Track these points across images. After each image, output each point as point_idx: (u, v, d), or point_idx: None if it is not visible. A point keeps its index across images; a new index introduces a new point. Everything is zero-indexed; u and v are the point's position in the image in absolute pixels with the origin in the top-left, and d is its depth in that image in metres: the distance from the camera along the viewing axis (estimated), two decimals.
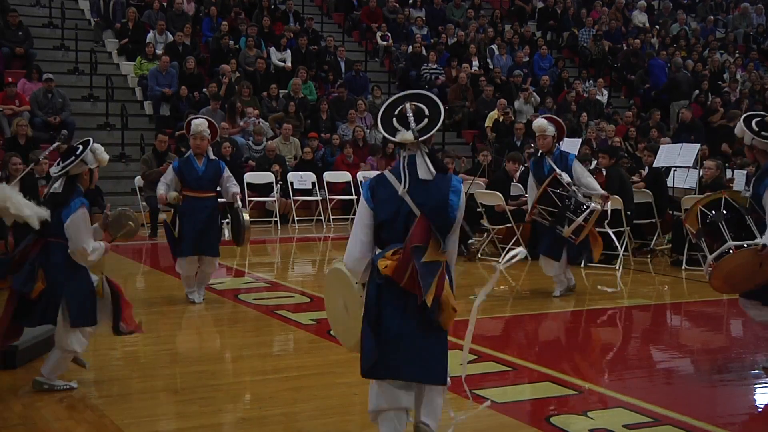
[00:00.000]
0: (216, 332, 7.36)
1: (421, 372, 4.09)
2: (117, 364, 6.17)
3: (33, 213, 5.21)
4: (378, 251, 4.13)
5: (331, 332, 5.40)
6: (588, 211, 7.91)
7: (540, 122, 8.41)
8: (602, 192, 8.38)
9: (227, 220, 9.21)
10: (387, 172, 4.17)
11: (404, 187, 4.04)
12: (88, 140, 5.52)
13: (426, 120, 4.10)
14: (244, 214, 7.91)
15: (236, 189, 7.98)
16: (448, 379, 4.21)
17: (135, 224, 6.01)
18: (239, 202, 7.98)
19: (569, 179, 8.12)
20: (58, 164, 5.41)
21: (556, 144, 8.39)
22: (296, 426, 4.95)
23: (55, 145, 6.26)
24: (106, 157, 5.58)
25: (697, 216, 6.14)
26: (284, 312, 7.75)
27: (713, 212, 6.03)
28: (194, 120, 7.91)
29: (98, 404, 5.21)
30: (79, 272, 5.38)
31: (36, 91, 14.74)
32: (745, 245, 5.71)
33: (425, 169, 4.07)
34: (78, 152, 5.36)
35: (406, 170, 4.06)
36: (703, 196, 6.44)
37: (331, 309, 4.51)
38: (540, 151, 8.47)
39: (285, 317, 7.60)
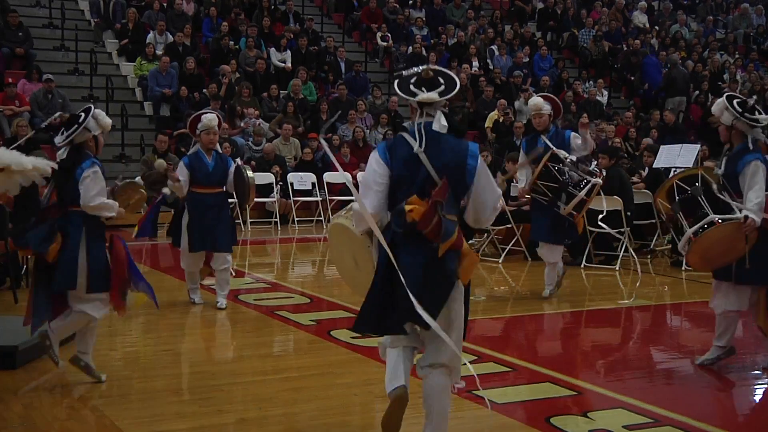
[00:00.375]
0: (216, 333, 7.35)
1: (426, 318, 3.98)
2: (117, 364, 6.17)
3: (37, 163, 5.20)
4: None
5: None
6: (591, 184, 7.87)
7: (536, 101, 8.31)
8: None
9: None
10: (404, 134, 4.18)
11: (420, 146, 4.07)
12: (90, 107, 5.55)
13: (443, 86, 4.17)
14: (247, 171, 7.72)
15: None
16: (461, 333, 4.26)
17: (142, 196, 6.07)
18: (240, 162, 7.88)
19: (566, 155, 8.01)
20: (62, 133, 5.44)
21: (552, 123, 8.32)
22: (296, 426, 4.95)
23: (57, 114, 6.23)
24: (109, 121, 5.60)
25: (669, 192, 6.13)
26: (284, 313, 7.75)
27: (690, 187, 5.99)
28: (206, 115, 7.80)
29: (98, 404, 5.21)
30: (97, 240, 5.44)
31: (36, 91, 14.75)
32: (732, 219, 5.69)
33: (440, 125, 4.11)
34: (81, 120, 5.40)
35: (423, 131, 4.11)
36: (678, 172, 6.43)
37: (339, 261, 4.69)
38: (531, 132, 8.43)
39: (285, 318, 7.60)
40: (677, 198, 6.03)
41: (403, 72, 4.32)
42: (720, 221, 5.68)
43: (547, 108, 8.14)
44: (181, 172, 7.68)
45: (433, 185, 4.04)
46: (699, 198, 5.85)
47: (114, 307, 5.63)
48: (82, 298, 5.44)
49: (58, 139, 5.46)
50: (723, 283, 5.97)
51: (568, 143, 8.15)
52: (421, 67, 4.25)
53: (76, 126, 5.40)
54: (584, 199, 7.87)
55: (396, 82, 4.29)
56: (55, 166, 5.28)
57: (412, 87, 4.19)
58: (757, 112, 5.91)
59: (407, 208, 4.02)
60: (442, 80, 4.20)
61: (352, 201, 4.44)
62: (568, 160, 7.95)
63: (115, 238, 5.56)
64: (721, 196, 5.81)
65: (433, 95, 4.14)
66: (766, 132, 6.51)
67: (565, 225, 8.11)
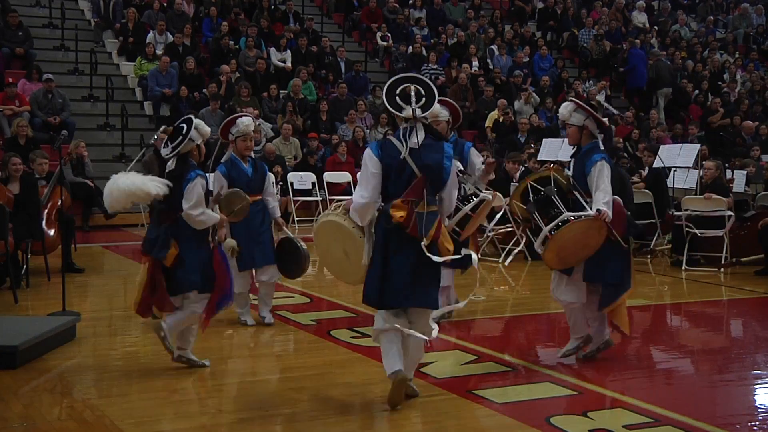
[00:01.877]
0: (216, 332, 7.34)
1: (416, 299, 4.99)
2: (117, 364, 6.17)
3: (158, 186, 5.61)
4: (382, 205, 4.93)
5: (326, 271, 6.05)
6: (477, 200, 6.77)
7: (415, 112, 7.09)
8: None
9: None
10: (391, 137, 5.00)
11: (406, 151, 4.89)
12: (190, 118, 5.83)
13: (423, 99, 4.98)
14: (300, 243, 7.13)
15: (278, 212, 7.39)
16: (440, 305, 5.23)
17: (246, 203, 6.27)
18: (286, 230, 7.41)
19: (460, 166, 6.80)
20: (166, 145, 5.75)
21: (451, 131, 7.31)
22: (296, 426, 4.95)
23: (162, 128, 6.30)
24: (208, 129, 5.91)
25: (523, 193, 6.22)
26: (284, 312, 7.75)
27: (544, 188, 6.09)
28: (241, 119, 7.12)
29: (98, 404, 5.21)
30: (205, 244, 5.80)
31: (36, 91, 14.74)
32: (582, 216, 5.82)
33: (414, 141, 4.90)
34: (184, 131, 5.69)
35: (406, 137, 4.92)
36: (533, 174, 6.51)
37: (325, 255, 5.44)
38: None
39: (285, 317, 7.59)
40: (531, 199, 6.13)
41: (388, 83, 5.04)
42: (574, 218, 5.82)
43: (444, 114, 7.04)
44: (220, 182, 6.93)
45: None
46: (552, 198, 5.99)
47: (204, 314, 5.86)
48: (193, 299, 5.78)
49: (165, 151, 5.76)
50: (564, 277, 6.11)
51: (467, 156, 7.15)
52: (411, 86, 4.99)
53: (180, 138, 5.69)
54: (469, 215, 6.74)
55: (384, 93, 5.01)
56: (170, 185, 5.65)
57: (398, 100, 4.96)
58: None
59: (395, 213, 4.82)
60: (423, 91, 5.00)
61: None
62: (462, 173, 6.87)
63: (215, 247, 5.91)
64: (578, 196, 5.98)
65: (416, 111, 4.93)
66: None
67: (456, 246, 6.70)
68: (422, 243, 4.85)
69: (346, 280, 5.44)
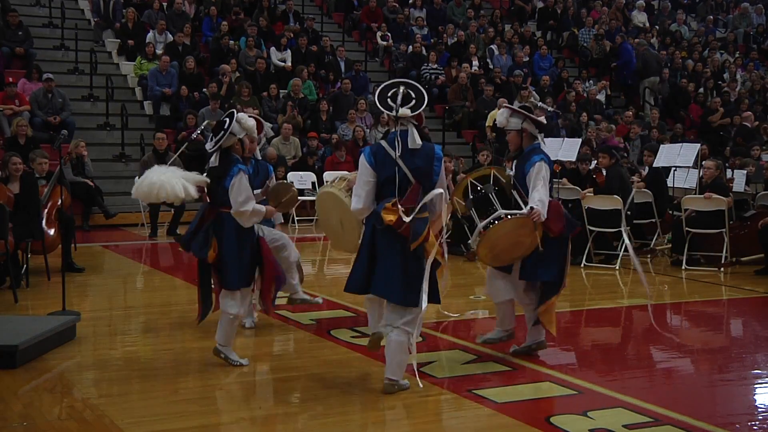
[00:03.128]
0: (216, 332, 7.34)
1: (397, 294, 5.17)
2: (117, 364, 6.17)
3: (188, 185, 5.67)
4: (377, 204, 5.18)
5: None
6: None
7: (404, 111, 7.00)
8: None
9: None
10: (383, 142, 5.23)
11: (398, 153, 5.11)
12: (232, 112, 5.83)
13: (414, 101, 5.21)
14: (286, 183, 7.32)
15: (281, 218, 7.48)
16: (423, 304, 5.17)
17: (293, 194, 6.45)
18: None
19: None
20: (211, 139, 5.76)
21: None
22: (296, 426, 4.95)
23: (205, 122, 6.38)
24: (252, 123, 5.91)
25: (464, 190, 6.31)
26: (284, 312, 7.75)
27: (483, 185, 6.20)
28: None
29: (98, 404, 5.21)
30: (247, 238, 5.78)
31: (36, 91, 14.74)
32: (517, 214, 5.90)
33: (413, 140, 5.14)
34: (226, 126, 5.68)
35: (400, 140, 5.13)
36: (473, 172, 6.59)
37: (325, 222, 5.96)
38: None
39: (285, 317, 7.60)
40: (470, 196, 6.24)
41: (381, 86, 5.29)
42: (507, 216, 5.90)
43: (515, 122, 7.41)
44: None
45: (409, 183, 5.15)
46: (490, 195, 6.09)
47: (264, 308, 6.05)
48: (230, 296, 5.82)
49: (209, 146, 5.77)
50: (500, 273, 6.21)
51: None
52: (399, 86, 5.23)
53: (222, 132, 5.67)
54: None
55: (376, 94, 5.25)
56: (206, 183, 5.74)
57: (389, 101, 5.18)
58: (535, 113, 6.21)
59: (386, 217, 5.04)
60: (413, 94, 5.21)
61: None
62: None
63: (262, 239, 5.94)
64: (516, 195, 6.07)
65: (406, 111, 5.15)
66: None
67: None
68: (410, 245, 5.12)
69: (339, 247, 6.00)
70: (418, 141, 5.16)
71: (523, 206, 5.98)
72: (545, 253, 5.98)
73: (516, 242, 5.94)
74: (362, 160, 5.22)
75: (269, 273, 5.89)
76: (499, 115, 6.29)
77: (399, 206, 5.08)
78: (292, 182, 6.69)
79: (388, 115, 5.22)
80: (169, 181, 5.67)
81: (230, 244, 5.72)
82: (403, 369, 5.34)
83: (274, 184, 6.39)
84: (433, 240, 5.25)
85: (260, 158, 7.39)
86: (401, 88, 5.22)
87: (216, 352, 6.03)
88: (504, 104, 6.45)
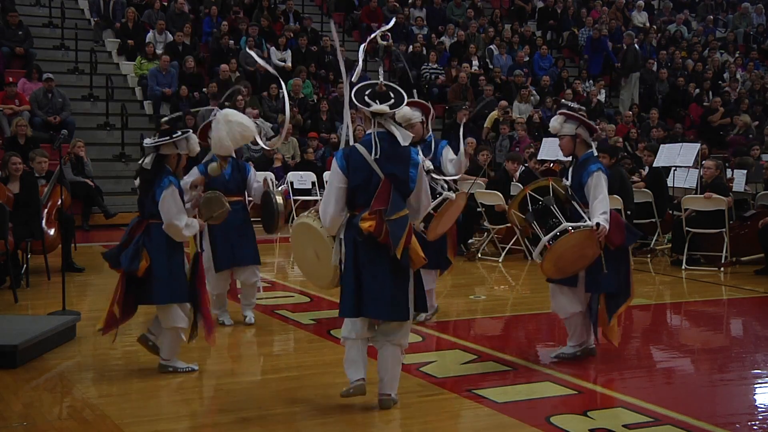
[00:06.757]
0: (215, 332, 7.34)
1: (388, 312, 4.92)
2: (117, 364, 6.17)
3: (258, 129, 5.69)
4: (349, 214, 4.90)
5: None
6: (440, 198, 6.85)
7: (403, 111, 6.48)
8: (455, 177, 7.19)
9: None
10: (358, 145, 4.92)
11: (375, 155, 4.82)
12: (189, 129, 5.77)
13: (392, 100, 4.92)
14: (277, 197, 7.09)
15: (261, 181, 7.33)
16: (411, 315, 5.03)
17: (225, 211, 6.04)
18: (270, 186, 7.40)
19: (431, 166, 6.79)
20: (154, 137, 5.64)
21: (427, 129, 7.20)
22: (296, 426, 4.95)
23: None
24: (197, 149, 5.75)
25: (522, 203, 6.23)
26: (284, 312, 7.75)
27: (543, 198, 6.11)
28: None
29: (98, 404, 5.21)
30: (176, 252, 5.62)
31: (36, 90, 14.74)
32: (581, 226, 5.84)
33: (401, 135, 4.88)
34: (174, 135, 5.56)
35: (377, 141, 4.85)
36: (531, 184, 6.50)
37: (301, 257, 5.47)
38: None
39: (285, 317, 7.60)
40: (530, 208, 6.13)
41: (358, 85, 4.98)
42: (572, 229, 5.83)
43: (417, 116, 7.00)
44: (193, 176, 6.85)
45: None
46: (551, 208, 6.00)
47: (205, 330, 5.80)
48: (167, 311, 5.66)
49: (147, 141, 5.65)
50: (565, 288, 6.10)
51: (440, 154, 7.19)
52: (377, 81, 4.96)
53: (168, 137, 5.54)
54: (431, 213, 6.73)
55: (353, 92, 4.94)
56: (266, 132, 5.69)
57: (366, 98, 4.89)
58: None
59: (364, 225, 4.75)
60: (392, 94, 4.93)
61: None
62: (430, 171, 6.80)
63: (199, 256, 5.78)
64: (575, 206, 5.99)
65: (384, 107, 4.88)
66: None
67: (432, 247, 6.78)
68: (395, 253, 4.81)
69: (317, 283, 5.47)
70: (406, 140, 4.90)
71: (584, 215, 5.91)
72: (607, 265, 5.91)
73: (581, 255, 5.85)
74: (333, 164, 4.95)
75: (203, 289, 5.75)
76: (553, 121, 6.18)
77: (375, 212, 4.79)
78: (222, 194, 6.21)
79: (363, 111, 4.94)
80: (242, 120, 5.76)
81: (160, 257, 5.55)
82: (398, 381, 5.16)
83: (206, 195, 6.01)
84: (416, 243, 4.96)
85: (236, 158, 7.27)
86: (381, 86, 4.97)
87: (162, 368, 5.80)
88: (561, 111, 6.33)
